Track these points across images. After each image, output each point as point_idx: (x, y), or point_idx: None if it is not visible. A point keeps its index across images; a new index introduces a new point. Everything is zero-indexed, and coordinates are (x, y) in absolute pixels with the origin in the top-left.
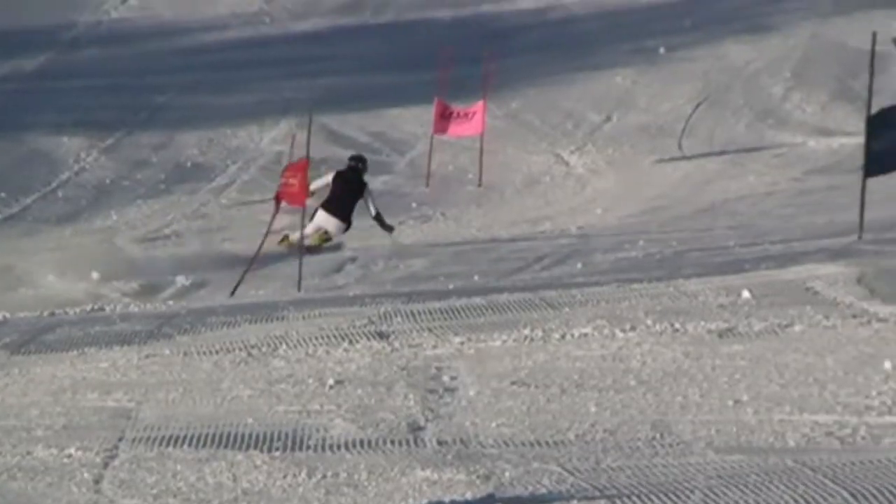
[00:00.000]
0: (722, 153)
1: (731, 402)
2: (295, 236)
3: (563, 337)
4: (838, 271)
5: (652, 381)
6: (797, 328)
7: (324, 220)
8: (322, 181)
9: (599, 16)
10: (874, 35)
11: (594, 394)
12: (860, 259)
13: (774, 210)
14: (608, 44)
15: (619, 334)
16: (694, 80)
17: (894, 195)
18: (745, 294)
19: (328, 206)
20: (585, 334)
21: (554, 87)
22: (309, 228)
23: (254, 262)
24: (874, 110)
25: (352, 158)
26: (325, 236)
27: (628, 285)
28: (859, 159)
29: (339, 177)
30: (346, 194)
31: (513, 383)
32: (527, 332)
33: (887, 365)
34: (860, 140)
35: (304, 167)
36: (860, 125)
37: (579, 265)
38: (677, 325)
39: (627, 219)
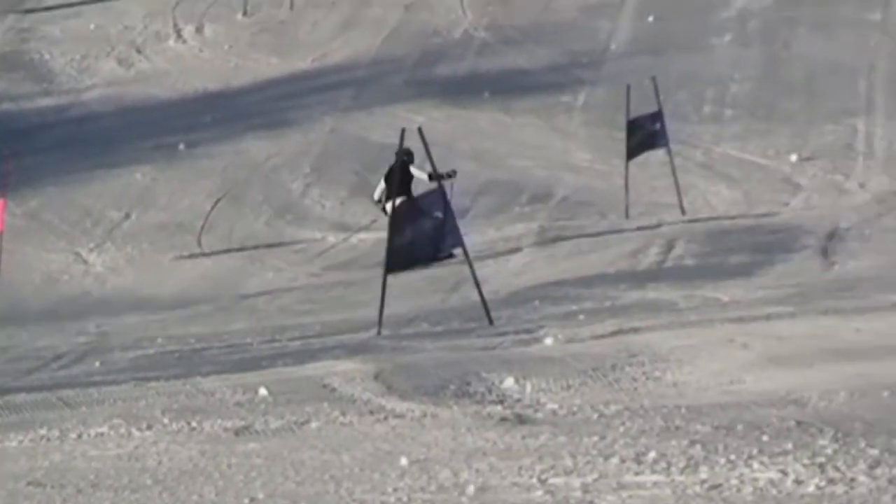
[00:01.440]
0: (241, 249)
1: (247, 500)
2: None
3: (79, 436)
4: (356, 367)
5: (168, 479)
6: (314, 425)
7: None
8: (380, 188)
9: (119, 112)
10: (403, 130)
11: (110, 493)
12: (378, 355)
13: (293, 306)
14: (128, 141)
15: (136, 433)
16: (213, 177)
17: (412, 291)
18: (262, 391)
19: (389, 196)
20: (102, 433)
21: (73, 185)
22: None
23: None
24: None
25: (398, 154)
26: None
27: (146, 384)
28: (377, 255)
29: (390, 174)
30: (401, 183)
31: (28, 484)
32: (43, 431)
33: (403, 461)
34: (379, 235)
35: None
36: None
37: (97, 363)
38: (194, 424)
39: (147, 316)
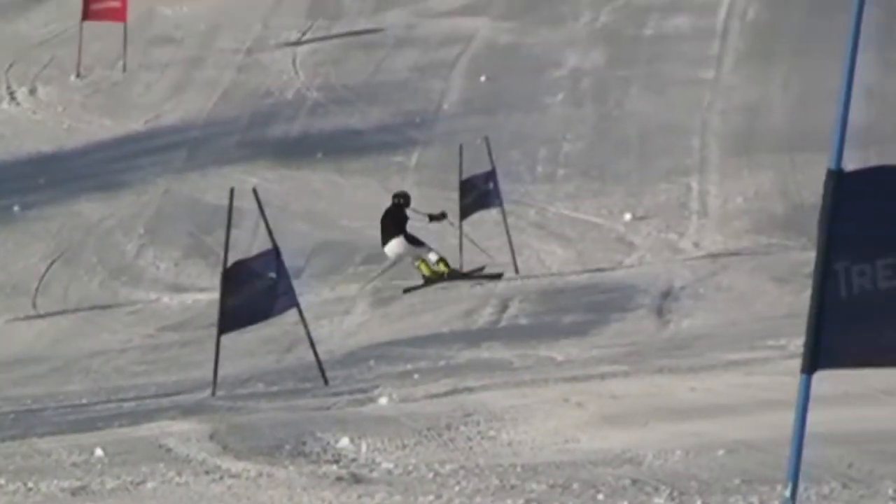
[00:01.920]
0: (76, 311)
1: None
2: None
3: None
4: (191, 428)
5: None
6: (150, 485)
7: (396, 247)
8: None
9: None
10: (232, 190)
11: None
12: (213, 415)
13: (128, 367)
14: None
15: None
16: (48, 238)
17: (246, 351)
18: (98, 452)
19: (385, 239)
20: None
21: None
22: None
23: None
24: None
25: (395, 196)
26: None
27: None
28: (212, 315)
29: (386, 215)
30: (394, 224)
31: None
32: None
33: None
34: (213, 296)
35: None
36: (213, 281)
37: None
38: (30, 484)
39: None
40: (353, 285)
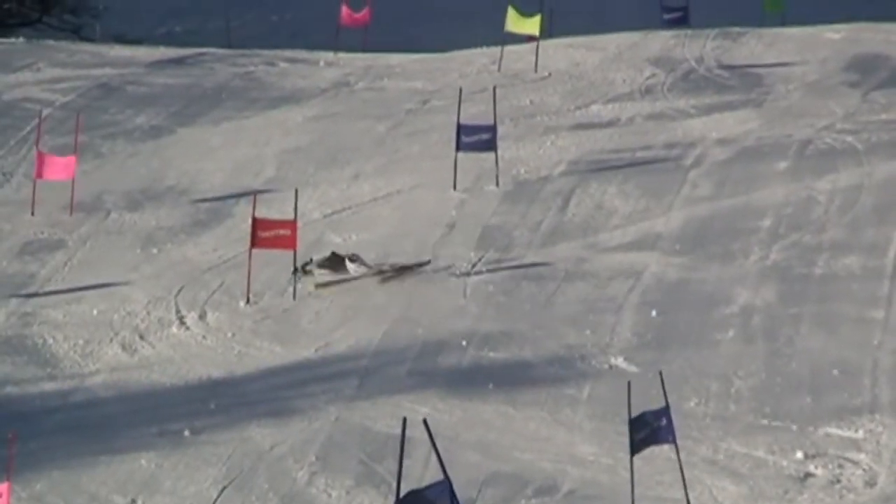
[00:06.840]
0: None
1: None
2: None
3: None
4: None
5: None
6: None
7: None
8: None
9: (123, 398)
10: (404, 420)
11: None
12: None
13: None
14: (132, 426)
15: None
16: (219, 464)
17: None
18: None
19: None
20: None
21: (78, 470)
22: None
23: None
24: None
25: None
26: None
27: None
28: None
29: None
30: None
31: None
32: None
33: None
34: None
35: None
36: None
37: None
38: None
39: None
40: None
